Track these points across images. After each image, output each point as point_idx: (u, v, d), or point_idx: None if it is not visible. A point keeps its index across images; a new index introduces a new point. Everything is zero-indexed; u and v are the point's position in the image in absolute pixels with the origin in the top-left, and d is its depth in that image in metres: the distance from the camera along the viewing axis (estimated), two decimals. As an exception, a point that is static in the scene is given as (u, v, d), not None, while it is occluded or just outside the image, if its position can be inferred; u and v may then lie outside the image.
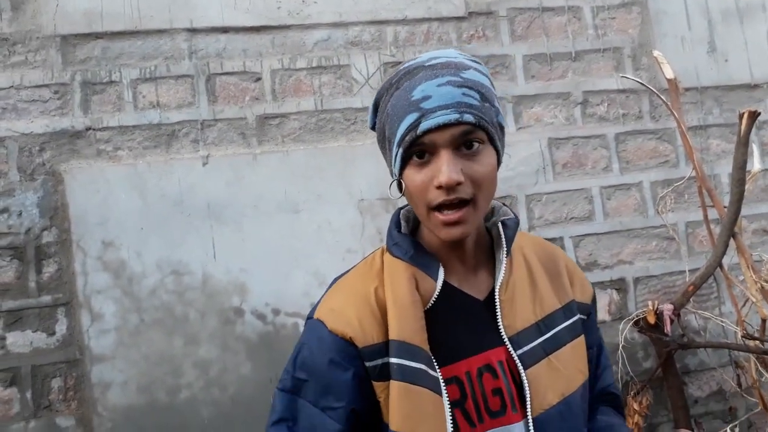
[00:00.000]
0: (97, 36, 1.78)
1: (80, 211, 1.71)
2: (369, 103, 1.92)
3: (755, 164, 1.89)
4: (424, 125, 0.81)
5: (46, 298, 1.70)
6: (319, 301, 0.94)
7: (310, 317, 0.93)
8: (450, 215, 0.83)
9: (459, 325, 0.90)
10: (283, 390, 0.89)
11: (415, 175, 0.84)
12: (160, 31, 1.81)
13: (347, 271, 0.99)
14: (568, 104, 2.11)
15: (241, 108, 1.85)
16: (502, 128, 0.89)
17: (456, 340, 0.89)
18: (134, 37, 1.80)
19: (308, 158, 1.87)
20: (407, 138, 0.82)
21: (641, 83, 1.93)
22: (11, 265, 1.69)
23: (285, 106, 1.88)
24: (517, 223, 0.96)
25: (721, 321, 1.99)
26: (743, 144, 1.68)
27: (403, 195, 0.90)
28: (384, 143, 0.89)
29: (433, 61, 0.85)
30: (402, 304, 0.87)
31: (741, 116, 1.66)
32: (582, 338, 0.96)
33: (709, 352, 2.08)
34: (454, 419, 0.85)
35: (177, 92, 1.81)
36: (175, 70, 1.81)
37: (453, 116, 0.80)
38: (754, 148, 1.93)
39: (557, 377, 0.90)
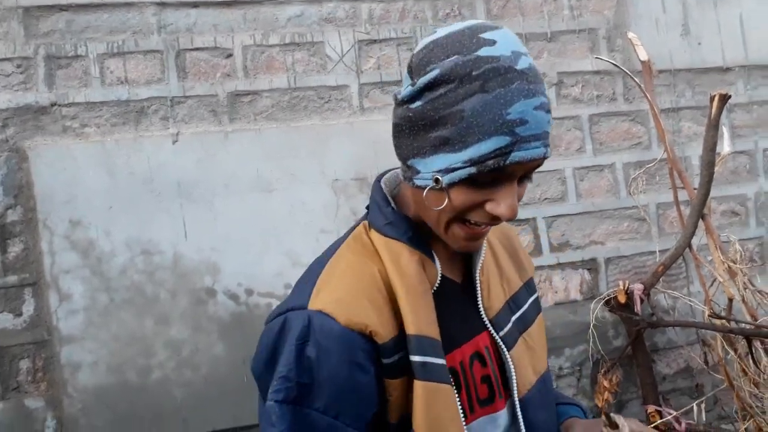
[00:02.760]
0: (62, 8, 1.72)
1: (46, 190, 1.67)
2: (343, 81, 1.90)
3: (725, 147, 1.91)
4: (517, 156, 0.70)
5: (12, 278, 1.66)
6: (302, 289, 0.79)
7: (300, 307, 0.76)
8: (478, 230, 0.77)
9: (450, 313, 0.82)
10: (283, 402, 0.72)
11: (468, 195, 0.74)
12: (128, 4, 1.76)
13: (330, 251, 0.84)
14: (544, 85, 2.10)
15: (212, 85, 1.81)
16: None
17: (452, 327, 0.82)
18: (100, 9, 1.75)
19: (281, 137, 1.85)
20: (490, 162, 0.70)
21: (615, 65, 1.94)
22: (-26, 245, 1.65)
23: (257, 83, 1.84)
24: None
25: (690, 300, 2.03)
26: (713, 126, 1.70)
27: (435, 206, 0.77)
28: (425, 133, 0.74)
29: (522, 65, 0.71)
30: (416, 293, 0.77)
31: (712, 99, 1.68)
32: (541, 314, 0.97)
33: (677, 330, 2.13)
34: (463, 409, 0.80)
35: (146, 68, 1.77)
36: (144, 44, 1.77)
37: (543, 150, 0.72)
38: (724, 131, 1.95)
39: (532, 356, 0.89)
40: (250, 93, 1.84)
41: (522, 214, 2.04)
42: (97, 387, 1.69)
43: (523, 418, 0.85)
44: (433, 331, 0.76)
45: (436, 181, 0.74)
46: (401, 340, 0.75)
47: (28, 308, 1.67)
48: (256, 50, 1.85)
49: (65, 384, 1.67)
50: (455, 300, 0.85)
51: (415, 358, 0.74)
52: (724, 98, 1.65)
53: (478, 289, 0.86)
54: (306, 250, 1.83)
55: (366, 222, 0.85)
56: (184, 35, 1.80)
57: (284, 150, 1.84)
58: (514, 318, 0.90)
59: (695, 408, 1.96)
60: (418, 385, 0.74)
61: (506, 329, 0.87)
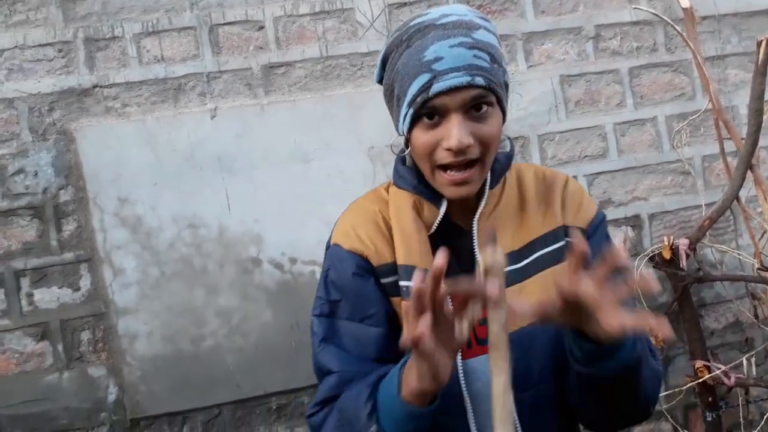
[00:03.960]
0: (97, -10, 1.76)
1: (94, 169, 1.73)
2: (375, 47, 1.89)
3: (774, 93, 1.83)
4: (436, 87, 0.82)
5: (69, 255, 1.75)
6: (333, 230, 1.00)
7: (327, 246, 0.99)
8: (457, 175, 0.87)
9: (456, 258, 0.92)
10: (320, 315, 0.94)
11: (423, 136, 0.86)
12: (160, -17, 1.78)
13: (354, 202, 1.04)
14: (580, 39, 2.05)
15: (246, 58, 1.83)
16: (507, 87, 0.91)
17: (452, 271, 0.88)
18: (134, -11, 1.77)
19: (316, 107, 1.86)
20: (418, 99, 0.84)
21: (655, 14, 1.87)
22: (32, 225, 1.73)
23: (290, 54, 1.85)
24: (509, 157, 0.98)
25: (738, 254, 1.98)
26: (761, 73, 1.63)
27: (407, 153, 0.93)
28: (392, 100, 0.91)
29: (444, 20, 0.85)
30: (406, 231, 0.92)
31: (759, 44, 1.61)
32: (564, 265, 0.91)
33: (725, 284, 2.08)
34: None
35: (181, 45, 1.79)
36: (177, 22, 1.79)
37: (465, 79, 0.82)
38: (773, 77, 1.86)
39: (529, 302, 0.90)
40: (283, 64, 1.85)
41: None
42: (153, 355, 1.77)
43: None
44: (422, 262, 0.90)
45: (398, 131, 0.91)
46: (395, 267, 0.92)
47: (85, 283, 1.76)
48: (287, 21, 1.85)
49: (124, 353, 1.76)
50: (460, 245, 0.94)
51: (402, 283, 0.91)
52: (773, 42, 1.58)
53: (475, 234, 0.93)
54: None
55: (389, 181, 1.04)
56: (216, 10, 1.81)
57: (319, 120, 1.86)
58: (518, 266, 0.92)
59: (745, 362, 1.93)
60: (404, 305, 0.84)
61: None
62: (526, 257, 0.93)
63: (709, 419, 1.99)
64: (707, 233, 1.98)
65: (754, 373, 1.97)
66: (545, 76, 2.01)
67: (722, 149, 1.89)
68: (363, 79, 1.89)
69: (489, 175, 0.94)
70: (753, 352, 2.01)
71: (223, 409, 1.83)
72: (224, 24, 1.82)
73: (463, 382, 0.89)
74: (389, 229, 0.95)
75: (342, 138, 1.87)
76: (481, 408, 0.89)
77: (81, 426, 1.76)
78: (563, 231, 0.96)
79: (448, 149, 0.84)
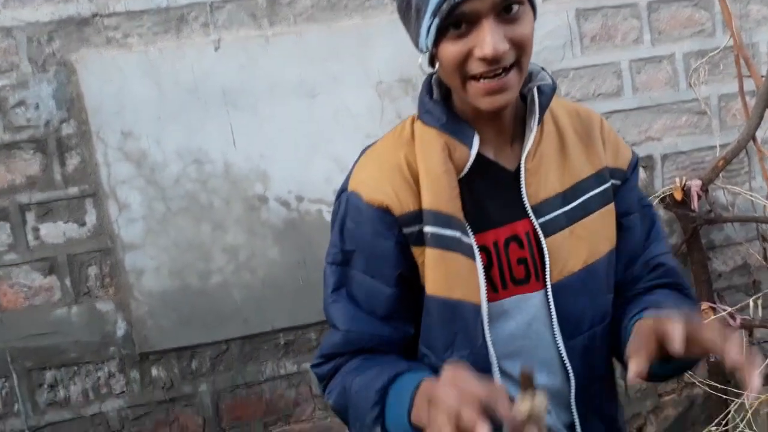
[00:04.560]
0: None
1: (96, 102, 1.69)
2: (384, -25, 1.81)
3: (799, 27, 1.76)
4: None
5: (73, 190, 1.73)
6: (350, 173, 0.94)
7: (344, 189, 0.93)
8: (493, 83, 0.79)
9: (490, 196, 0.89)
10: (333, 263, 0.91)
11: (452, 47, 0.79)
12: None
13: (375, 142, 0.97)
14: (598, -30, 1.96)
15: (251, -13, 1.76)
16: None
17: (486, 210, 0.89)
18: None
19: (322, 39, 1.80)
20: (444, 6, 0.75)
21: (679, -59, 1.78)
22: (35, 158, 1.70)
23: (296, -17, 1.78)
24: (553, 89, 0.90)
25: (751, 195, 1.96)
26: (788, 3, 1.56)
27: (435, 71, 0.86)
28: (409, 13, 0.83)
29: None
30: (435, 174, 0.86)
31: (788, -28, 1.53)
32: (611, 206, 0.93)
33: (736, 226, 2.06)
34: (490, 280, 0.87)
35: (183, -28, 1.72)
36: (179, -53, 1.71)
37: None
38: (799, 10, 1.79)
39: (580, 245, 0.90)
40: (288, -6, 1.78)
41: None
42: (161, 291, 1.77)
43: (555, 303, 0.88)
44: (451, 207, 0.85)
45: (427, 47, 0.81)
46: (421, 215, 0.86)
47: (91, 218, 1.74)
48: (292, -53, 1.77)
49: (131, 288, 1.76)
50: (500, 185, 0.90)
51: (426, 229, 0.86)
52: (802, -30, 1.51)
53: (523, 176, 0.89)
54: (352, 155, 1.78)
55: (415, 114, 0.94)
56: (219, -65, 1.73)
57: (326, 53, 1.80)
58: (566, 208, 0.90)
59: (751, 304, 1.93)
60: (428, 252, 0.86)
61: (549, 217, 0.89)
62: (575, 199, 0.90)
63: (712, 359, 2.01)
64: (720, 174, 1.94)
65: (760, 315, 1.97)
66: (560, 8, 1.94)
67: (741, 87, 1.84)
68: (371, 9, 1.82)
69: (537, 110, 0.88)
70: (759, 294, 2.01)
71: (231, 345, 1.85)
72: (227, -50, 1.74)
73: (487, 327, 0.87)
74: (414, 174, 0.87)
75: (349, 72, 1.81)
76: (510, 347, 0.89)
77: (90, 359, 1.78)
78: (607, 172, 0.93)
79: (482, 58, 0.77)
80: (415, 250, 0.88)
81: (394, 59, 1.82)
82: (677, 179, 1.94)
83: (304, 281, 1.83)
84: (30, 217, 1.72)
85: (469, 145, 0.87)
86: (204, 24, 1.74)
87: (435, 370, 0.82)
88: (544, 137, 0.91)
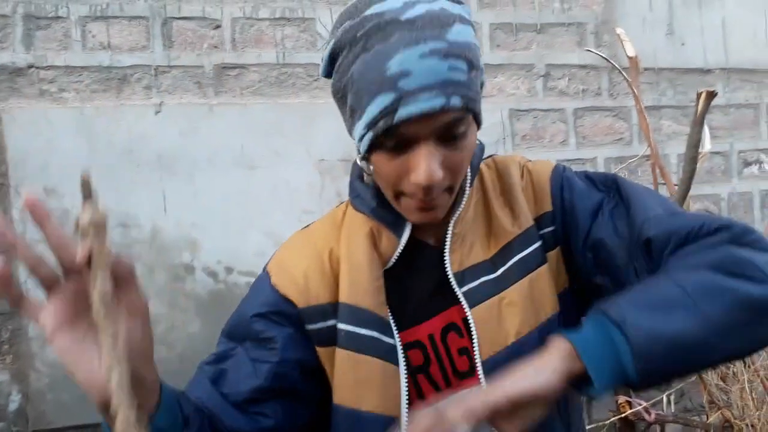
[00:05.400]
0: (43, -34, 1.65)
1: (20, 154, 1.60)
2: (333, 60, 1.86)
3: (706, 145, 1.95)
4: (403, 112, 0.65)
5: (-20, 246, 1.59)
6: (277, 250, 0.88)
7: (266, 264, 0.86)
8: (424, 202, 0.72)
9: (420, 285, 0.80)
10: (222, 334, 0.84)
11: (386, 165, 0.71)
12: (114, -33, 1.70)
13: (313, 222, 0.90)
14: (531, 76, 2.11)
15: (199, 56, 1.76)
16: (482, 86, 0.75)
17: (418, 301, 0.80)
18: (84, -29, 1.68)
19: (267, 113, 1.81)
20: (380, 123, 0.67)
21: (605, 58, 1.95)
22: (-59, 209, 1.57)
23: (245, 57, 1.80)
24: (482, 149, 0.83)
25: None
26: (698, 123, 1.72)
27: (369, 174, 0.77)
28: (344, 107, 0.74)
29: (410, 13, 0.66)
30: (356, 264, 0.78)
31: (699, 96, 1.70)
32: (545, 268, 0.81)
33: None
34: (417, 386, 0.78)
35: (130, 34, 1.71)
36: (129, 10, 1.70)
37: (438, 102, 0.66)
38: (706, 130, 1.99)
39: (513, 314, 0.78)
40: (237, 66, 1.79)
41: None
42: (66, 362, 1.63)
43: (486, 382, 0.76)
44: (370, 301, 0.77)
45: (359, 151, 0.73)
46: (334, 309, 0.78)
47: (-4, 278, 1.60)
48: (245, 23, 1.80)
49: (33, 358, 1.61)
50: (429, 269, 0.81)
51: (339, 326, 0.77)
52: (711, 96, 1.68)
53: (447, 242, 0.79)
54: (288, 229, 1.75)
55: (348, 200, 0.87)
56: (172, 3, 1.74)
57: (270, 127, 1.81)
58: (493, 275, 0.79)
59: (664, 399, 2.01)
60: (338, 353, 0.77)
61: (472, 285, 0.78)
62: (502, 265, 0.80)
63: None
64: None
65: (672, 410, 2.04)
66: (496, 108, 2.05)
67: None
68: (318, 90, 1.86)
69: (469, 173, 0.82)
70: (672, 390, 2.09)
71: (138, 425, 1.70)
72: (179, 18, 1.75)
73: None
74: (335, 266, 0.80)
75: (291, 148, 1.82)
76: None
77: (-27, 436, 1.59)
78: (534, 228, 0.82)
79: (416, 184, 0.70)
80: (322, 352, 0.78)
81: (337, 139, 1.85)
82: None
83: (225, 358, 1.74)
84: (-76, 272, 1.55)
85: (399, 235, 0.79)
86: (147, 86, 1.72)
87: None
88: (470, 203, 0.82)
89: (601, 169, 2.17)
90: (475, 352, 0.77)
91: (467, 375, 0.79)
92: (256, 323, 0.79)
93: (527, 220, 0.83)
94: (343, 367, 0.76)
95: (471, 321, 0.77)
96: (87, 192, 0.56)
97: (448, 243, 0.80)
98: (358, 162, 0.78)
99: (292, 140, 1.82)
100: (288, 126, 1.82)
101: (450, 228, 0.80)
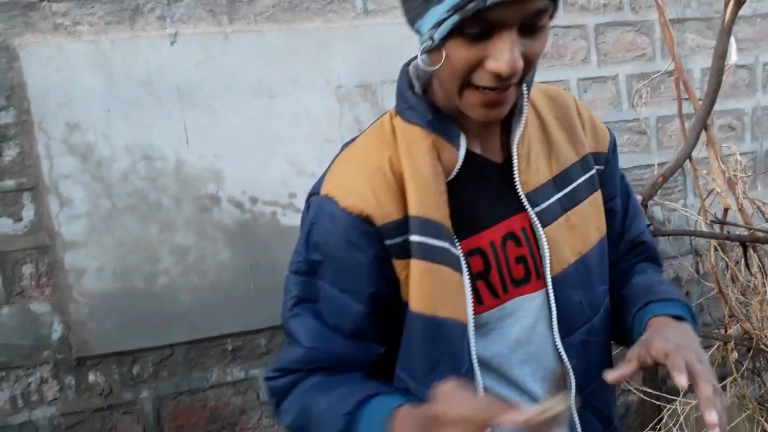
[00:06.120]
0: None
1: (40, 91, 1.60)
2: (348, -19, 1.82)
3: (732, 57, 1.90)
4: None
5: (9, 183, 1.62)
6: (325, 173, 0.85)
7: (315, 193, 0.84)
8: (493, 95, 0.72)
9: (482, 194, 0.84)
10: (297, 273, 0.83)
11: (462, 51, 0.70)
12: None
13: (354, 139, 0.89)
14: (551, -9, 2.04)
15: (211, -18, 1.72)
16: None
17: (479, 210, 0.83)
18: None
19: (282, 39, 1.78)
20: (469, 6, 0.65)
21: (627, -32, 1.88)
22: (-32, 147, 1.59)
23: (258, -18, 1.75)
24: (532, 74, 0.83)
25: (686, 211, 2.07)
26: (726, 33, 1.67)
27: (432, 68, 0.75)
28: None
29: None
30: (422, 177, 0.78)
31: (726, 3, 1.65)
32: (598, 193, 0.91)
33: (671, 241, 2.18)
34: (477, 294, 0.82)
35: (140, -39, 1.67)
36: (137, -64, 1.66)
37: None
38: (732, 41, 1.93)
39: (574, 235, 0.86)
40: (250, -8, 1.75)
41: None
42: (103, 292, 1.68)
43: (555, 298, 0.85)
44: (438, 215, 0.78)
45: (431, 38, 0.71)
46: (407, 223, 0.78)
47: (28, 213, 1.64)
48: (255, -55, 1.75)
49: (71, 289, 1.67)
50: (489, 180, 0.85)
51: (413, 238, 0.78)
52: (739, 3, 1.62)
53: (515, 163, 0.83)
54: (310, 158, 1.81)
55: (392, 109, 0.86)
56: (179, -73, 1.69)
57: (286, 54, 1.78)
58: (559, 195, 0.86)
59: (684, 314, 2.04)
60: (414, 264, 0.78)
61: (544, 205, 0.85)
62: (565, 186, 0.87)
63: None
64: (658, 191, 2.05)
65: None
66: (515, 26, 2.00)
67: (680, 109, 1.95)
68: (333, 14, 1.82)
69: (525, 92, 0.84)
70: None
71: (175, 350, 1.78)
72: (188, -57, 1.70)
73: (474, 350, 0.82)
74: (398, 177, 0.79)
75: (308, 75, 1.80)
76: (516, 355, 0.84)
77: (22, 364, 1.67)
78: (591, 158, 0.90)
79: (495, 73, 0.69)
80: (398, 264, 0.80)
81: (353, 64, 1.82)
82: (619, 194, 2.03)
83: (254, 285, 1.79)
84: (-41, 210, 1.60)
85: (457, 146, 0.81)
86: (160, 17, 1.69)
87: (412, 396, 0.78)
88: (528, 123, 0.85)
89: (623, 86, 2.13)
90: (544, 265, 0.84)
91: (523, 282, 0.85)
92: (339, 252, 0.79)
93: (584, 149, 0.89)
94: (420, 277, 0.78)
95: (544, 241, 0.83)
96: (561, 385, 0.64)
97: (515, 162, 0.83)
98: (420, 58, 0.76)
99: (309, 67, 1.79)
100: (303, 52, 1.79)
101: (515, 147, 0.84)
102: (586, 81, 2.10)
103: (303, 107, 1.80)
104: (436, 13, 0.68)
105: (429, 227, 0.78)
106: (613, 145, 0.96)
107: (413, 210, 0.78)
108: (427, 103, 0.82)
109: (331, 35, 1.81)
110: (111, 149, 1.66)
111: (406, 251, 0.79)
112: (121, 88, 1.65)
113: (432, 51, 0.73)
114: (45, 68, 1.60)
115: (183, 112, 1.71)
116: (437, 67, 0.74)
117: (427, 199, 0.78)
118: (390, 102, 1.07)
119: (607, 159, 0.94)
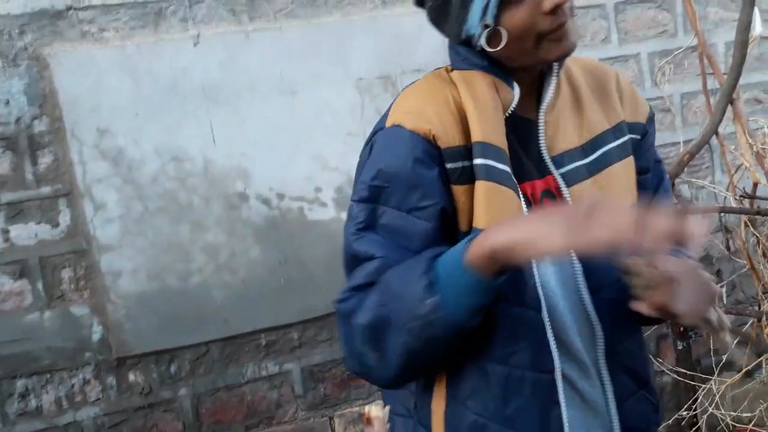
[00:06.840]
0: None
1: (71, 98, 1.64)
2: (364, -27, 1.82)
3: (756, 28, 1.87)
4: None
5: (46, 190, 1.66)
6: (387, 112, 0.88)
7: (379, 129, 0.87)
8: (561, 31, 0.80)
9: (526, 147, 0.89)
10: (360, 200, 0.84)
11: (520, 12, 0.79)
12: None
13: (414, 82, 0.93)
14: (567, -27, 2.03)
15: (229, -18, 1.74)
16: None
17: (521, 161, 0.88)
18: None
19: (302, 35, 1.79)
20: None
21: (645, -55, 1.86)
22: (5, 157, 1.63)
23: (275, -21, 1.77)
24: None
25: (714, 188, 2.05)
26: (749, 4, 1.65)
27: (497, 47, 0.82)
28: (447, 5, 0.83)
29: None
30: (484, 107, 0.83)
31: (749, -26, 1.62)
32: (631, 159, 0.93)
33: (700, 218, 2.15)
34: None
35: (160, -34, 1.69)
36: (156, -59, 1.68)
37: None
38: (756, 12, 1.90)
39: (603, 194, 0.89)
40: (268, -11, 1.77)
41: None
42: (138, 293, 1.72)
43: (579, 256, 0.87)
44: (499, 141, 0.83)
45: (485, 26, 0.80)
46: (468, 150, 0.83)
47: (65, 218, 1.68)
48: (272, -57, 1.76)
49: (107, 291, 1.71)
50: (530, 137, 0.90)
51: (477, 161, 0.82)
52: (762, -27, 1.60)
53: (542, 127, 0.89)
54: (334, 153, 1.83)
55: (446, 65, 0.93)
56: (196, -71, 1.71)
57: (306, 49, 1.80)
58: (586, 161, 0.90)
59: (717, 292, 2.02)
60: (479, 185, 0.82)
61: (569, 167, 0.89)
62: (593, 152, 0.90)
63: (680, 348, 2.09)
64: (684, 169, 2.03)
65: (725, 302, 2.07)
66: (533, 10, 1.99)
67: (704, 84, 1.93)
68: (351, 7, 1.83)
69: (555, 63, 0.88)
70: (723, 283, 2.11)
71: (211, 346, 1.81)
72: (206, -55, 1.72)
73: (536, 274, 0.84)
74: (460, 109, 0.84)
75: (329, 69, 1.82)
76: (555, 303, 0.86)
77: (65, 366, 1.71)
78: (626, 126, 0.94)
79: (552, 9, 0.77)
80: (457, 189, 0.83)
81: (373, 56, 1.83)
82: (646, 174, 2.01)
83: (285, 280, 1.82)
84: (-1, 218, 1.64)
85: (512, 87, 0.86)
86: (182, 19, 1.72)
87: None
88: (560, 93, 0.91)
89: (645, 64, 2.11)
90: None
91: None
92: (405, 170, 0.81)
93: (617, 117, 0.93)
94: (486, 197, 0.82)
95: (569, 199, 0.87)
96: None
97: (541, 128, 0.89)
98: (482, 45, 0.83)
99: (329, 61, 1.81)
100: (323, 47, 1.80)
101: (542, 114, 0.89)
102: (608, 61, 2.08)
103: (325, 102, 1.82)
104: (480, 3, 0.79)
105: (493, 151, 0.82)
106: (651, 119, 0.99)
107: (476, 136, 0.82)
108: (478, 52, 0.86)
109: (350, 28, 1.82)
110: (140, 152, 1.69)
111: (465, 177, 0.83)
112: (148, 92, 1.68)
113: (491, 36, 0.81)
114: (74, 75, 1.64)
115: (209, 113, 1.73)
116: (501, 46, 0.81)
117: (490, 125, 0.83)
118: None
119: (644, 131, 0.97)
